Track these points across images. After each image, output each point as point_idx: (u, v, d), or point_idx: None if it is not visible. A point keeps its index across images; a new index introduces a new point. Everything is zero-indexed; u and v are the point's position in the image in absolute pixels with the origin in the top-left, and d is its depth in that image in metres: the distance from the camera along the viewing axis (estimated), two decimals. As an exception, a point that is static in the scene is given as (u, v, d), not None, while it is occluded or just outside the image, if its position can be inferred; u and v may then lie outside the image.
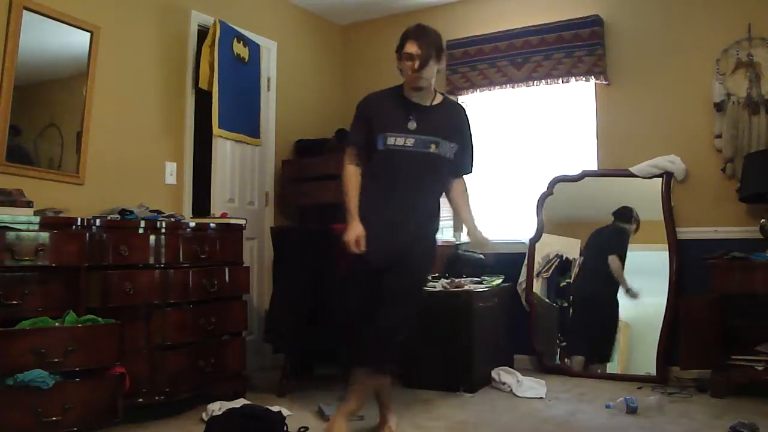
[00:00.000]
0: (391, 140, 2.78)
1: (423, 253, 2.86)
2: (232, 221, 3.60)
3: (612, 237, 4.08)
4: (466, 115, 2.98)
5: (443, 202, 2.94)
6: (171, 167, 3.82)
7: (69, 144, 3.27)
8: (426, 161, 2.79)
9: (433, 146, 2.77)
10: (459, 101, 4.38)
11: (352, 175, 2.85)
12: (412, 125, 2.78)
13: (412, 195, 2.79)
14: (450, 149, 2.82)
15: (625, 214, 4.08)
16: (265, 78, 4.50)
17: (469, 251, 4.30)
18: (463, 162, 2.92)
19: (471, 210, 2.97)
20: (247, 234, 3.86)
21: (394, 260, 2.73)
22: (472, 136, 2.96)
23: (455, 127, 2.88)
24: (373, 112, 2.86)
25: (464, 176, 2.97)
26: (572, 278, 4.21)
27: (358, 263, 2.78)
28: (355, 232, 2.73)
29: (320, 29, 5.12)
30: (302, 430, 2.90)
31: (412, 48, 2.73)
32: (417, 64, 2.71)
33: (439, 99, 2.89)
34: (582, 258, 4.19)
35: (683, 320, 3.56)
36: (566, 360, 4.14)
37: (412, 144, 2.77)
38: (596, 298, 4.13)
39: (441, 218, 2.95)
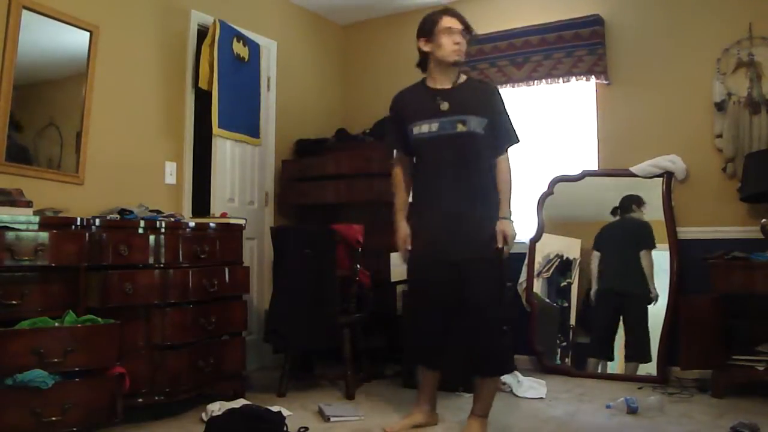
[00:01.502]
0: (416, 130, 2.85)
1: (481, 243, 2.75)
2: (232, 221, 3.60)
3: (643, 231, 4.01)
4: (495, 90, 2.92)
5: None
6: (171, 167, 3.81)
7: (68, 144, 3.27)
8: (452, 143, 2.78)
9: (460, 125, 2.77)
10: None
11: (397, 177, 3.01)
12: (444, 106, 2.80)
13: (446, 182, 2.79)
14: (479, 124, 2.77)
15: (633, 203, 4.09)
16: (265, 78, 4.50)
17: None
18: (498, 138, 2.82)
19: (506, 198, 2.84)
20: (247, 234, 3.86)
21: (452, 254, 2.75)
22: (505, 110, 2.87)
23: (483, 101, 2.82)
24: (402, 105, 2.95)
25: (506, 155, 2.87)
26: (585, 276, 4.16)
27: (419, 265, 2.90)
28: (401, 232, 2.92)
29: (320, 29, 5.12)
30: (302, 430, 2.89)
31: (451, 22, 2.81)
32: (460, 37, 2.80)
33: (463, 78, 2.88)
34: (600, 254, 4.12)
35: (684, 320, 3.55)
36: (566, 360, 4.13)
37: (436, 128, 2.80)
38: (632, 296, 4.01)
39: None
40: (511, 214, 2.82)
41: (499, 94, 2.89)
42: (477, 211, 2.77)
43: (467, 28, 2.84)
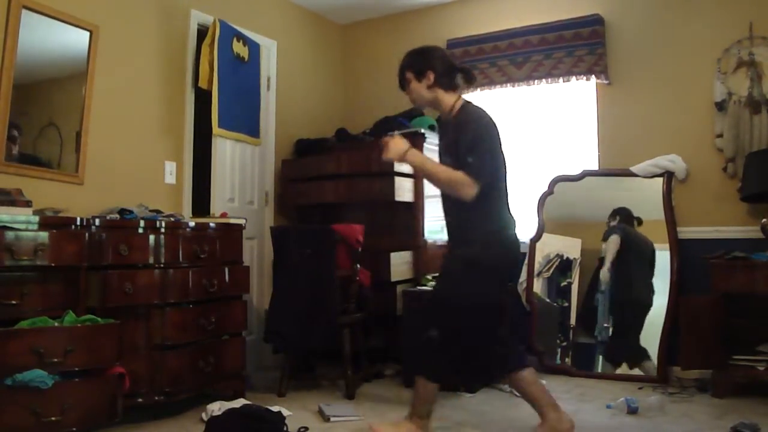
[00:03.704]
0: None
1: (443, 274, 2.83)
2: (232, 221, 3.59)
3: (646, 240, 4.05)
4: (471, 120, 2.65)
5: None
6: (171, 167, 3.81)
7: (68, 143, 3.26)
8: None
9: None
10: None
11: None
12: (440, 146, 2.86)
13: (446, 220, 2.84)
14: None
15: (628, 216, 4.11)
16: (265, 77, 4.49)
17: None
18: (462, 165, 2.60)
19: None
20: (247, 234, 3.86)
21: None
22: (471, 140, 2.59)
23: (459, 138, 2.63)
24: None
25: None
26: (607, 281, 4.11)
27: None
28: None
29: (320, 28, 5.12)
30: (302, 430, 2.89)
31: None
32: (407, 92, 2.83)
33: (456, 110, 2.72)
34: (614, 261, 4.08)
35: (684, 320, 3.55)
36: (566, 360, 4.13)
37: None
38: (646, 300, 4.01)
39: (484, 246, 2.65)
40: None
41: (470, 126, 2.63)
42: (452, 251, 2.84)
43: (412, 70, 2.77)
